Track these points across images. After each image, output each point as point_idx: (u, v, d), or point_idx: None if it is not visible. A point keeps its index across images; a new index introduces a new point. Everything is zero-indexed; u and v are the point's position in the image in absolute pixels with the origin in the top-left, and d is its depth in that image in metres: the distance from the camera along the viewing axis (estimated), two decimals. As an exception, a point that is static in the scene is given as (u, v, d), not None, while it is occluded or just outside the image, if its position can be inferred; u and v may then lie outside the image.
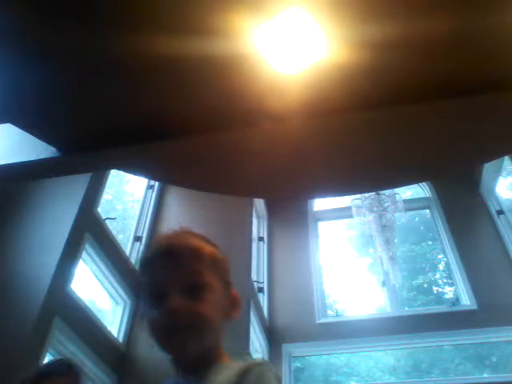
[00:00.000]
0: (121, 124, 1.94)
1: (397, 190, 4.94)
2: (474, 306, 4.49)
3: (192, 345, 0.74)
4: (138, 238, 4.18)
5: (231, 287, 0.84)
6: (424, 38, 1.57)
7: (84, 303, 3.06)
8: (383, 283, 5.13)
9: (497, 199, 5.34)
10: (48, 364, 1.72)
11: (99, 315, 3.32)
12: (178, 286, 0.75)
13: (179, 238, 0.82)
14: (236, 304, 0.83)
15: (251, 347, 3.98)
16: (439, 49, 1.64)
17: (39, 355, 2.47)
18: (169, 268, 0.77)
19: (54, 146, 2.03)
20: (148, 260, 0.82)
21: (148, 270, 0.82)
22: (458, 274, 4.84)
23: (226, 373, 0.72)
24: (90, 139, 1.99)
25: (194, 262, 0.79)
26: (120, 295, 3.67)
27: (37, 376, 1.57)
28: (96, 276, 3.46)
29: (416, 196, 6.07)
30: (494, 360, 4.61)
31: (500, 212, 5.18)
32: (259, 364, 0.74)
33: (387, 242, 4.66)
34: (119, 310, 3.69)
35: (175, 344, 0.74)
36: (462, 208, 5.35)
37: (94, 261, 3.35)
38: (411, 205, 5.67)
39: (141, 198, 4.53)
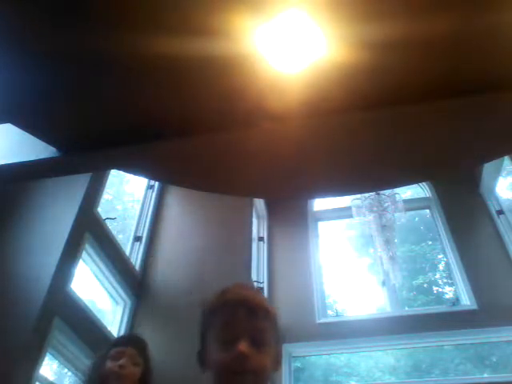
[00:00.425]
0: (121, 124, 1.94)
1: (397, 189, 4.94)
2: (474, 306, 4.49)
3: None
4: (138, 238, 4.18)
5: (280, 344, 0.96)
6: (424, 38, 1.57)
7: (84, 303, 3.06)
8: (383, 283, 5.13)
9: (497, 199, 5.34)
10: (124, 336, 1.89)
11: (99, 315, 3.32)
12: (248, 336, 0.86)
13: (255, 295, 0.97)
14: (279, 360, 0.96)
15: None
16: (439, 49, 1.64)
17: (39, 355, 2.48)
18: (244, 319, 0.89)
19: (54, 146, 2.03)
20: (225, 306, 0.93)
21: (223, 314, 0.92)
22: (458, 274, 4.84)
23: None
24: (90, 139, 1.99)
25: (265, 320, 0.92)
26: (120, 295, 3.67)
27: (113, 344, 1.70)
28: (96, 276, 3.46)
29: (416, 196, 6.07)
30: (494, 360, 4.61)
31: (500, 212, 5.18)
32: None
33: (387, 242, 4.66)
34: (119, 310, 3.69)
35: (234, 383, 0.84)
36: (462, 208, 5.36)
37: (94, 261, 3.35)
38: (411, 205, 5.67)
39: (141, 198, 4.53)
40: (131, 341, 1.78)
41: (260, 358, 0.86)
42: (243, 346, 0.84)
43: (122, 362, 1.59)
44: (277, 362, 0.94)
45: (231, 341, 0.86)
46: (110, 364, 1.61)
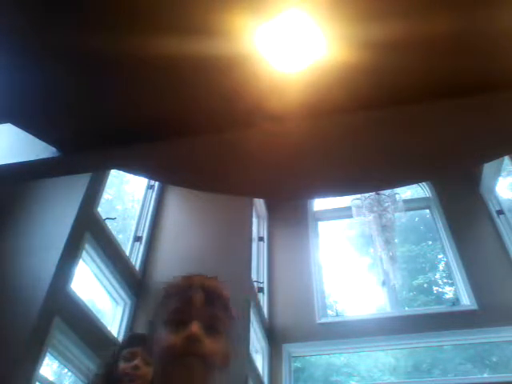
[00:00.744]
0: (121, 124, 1.94)
1: (397, 189, 4.94)
2: (474, 306, 4.49)
3: (196, 375, 0.78)
4: (138, 238, 4.18)
5: (233, 342, 0.91)
6: (424, 38, 1.57)
7: (84, 303, 3.06)
8: (383, 283, 5.13)
9: (497, 199, 5.34)
10: (135, 335, 1.81)
11: (99, 315, 3.32)
12: (202, 322, 0.82)
13: (216, 284, 0.92)
14: (229, 356, 0.89)
15: (251, 347, 3.98)
16: (439, 49, 1.63)
17: (39, 355, 2.48)
18: (199, 304, 0.85)
19: (53, 146, 2.03)
20: (181, 289, 0.89)
21: (178, 297, 0.87)
22: (458, 273, 4.84)
23: None
24: (90, 139, 1.99)
25: (222, 310, 0.88)
26: (120, 295, 3.67)
27: (125, 345, 1.67)
28: (96, 276, 3.46)
29: (416, 196, 6.07)
30: (494, 360, 4.61)
31: (500, 212, 5.18)
32: None
33: (387, 242, 4.66)
34: (119, 310, 3.69)
35: (180, 368, 0.78)
36: (462, 208, 5.36)
37: (94, 261, 3.35)
38: (411, 205, 5.67)
39: (141, 198, 4.53)
40: (143, 341, 1.75)
41: (211, 345, 0.81)
42: (195, 327, 0.80)
43: (136, 362, 1.57)
44: (226, 358, 0.88)
45: (183, 324, 0.81)
46: (123, 365, 1.59)
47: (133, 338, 1.71)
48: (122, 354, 1.62)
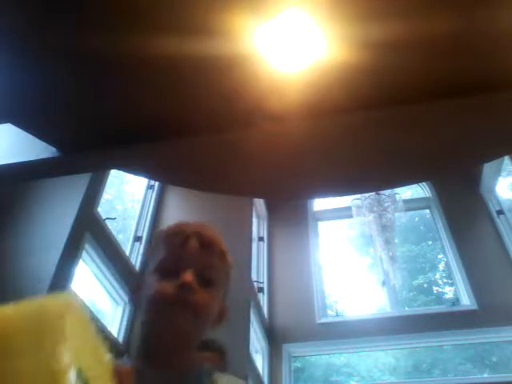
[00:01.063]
0: (121, 124, 1.94)
1: (397, 189, 4.94)
2: (474, 306, 4.49)
3: (185, 326, 0.72)
4: (138, 238, 4.18)
5: (226, 300, 0.85)
6: (424, 38, 1.57)
7: (84, 303, 3.06)
8: (383, 283, 5.13)
9: (497, 199, 5.34)
10: None
11: (99, 315, 3.32)
12: (195, 271, 0.75)
13: (213, 233, 0.84)
14: (222, 316, 0.83)
15: (251, 347, 3.98)
16: (439, 49, 1.64)
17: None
18: (194, 251, 0.78)
19: (53, 146, 2.03)
20: (175, 235, 0.81)
21: (171, 244, 0.80)
22: (458, 273, 4.84)
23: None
24: (89, 139, 1.99)
25: (218, 260, 0.81)
26: (120, 295, 3.67)
27: None
28: (96, 276, 3.46)
29: (416, 196, 6.07)
30: (494, 360, 4.61)
31: (500, 212, 5.18)
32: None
33: (387, 242, 4.66)
34: (119, 310, 3.68)
35: (169, 318, 0.72)
36: (462, 208, 5.35)
37: (94, 261, 3.34)
38: (411, 205, 5.67)
39: (141, 198, 4.53)
40: None
41: (204, 296, 0.74)
42: (188, 276, 0.73)
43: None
44: (220, 315, 0.81)
45: (176, 272, 0.75)
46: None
47: None
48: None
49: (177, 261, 0.77)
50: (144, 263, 0.85)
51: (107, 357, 0.52)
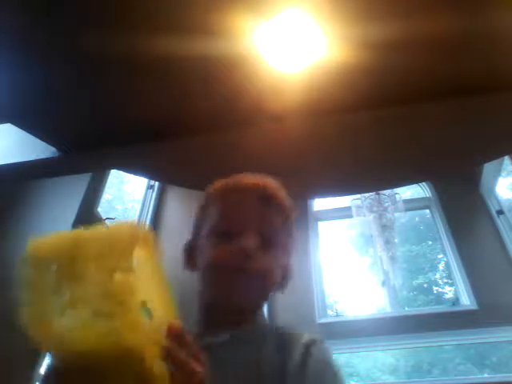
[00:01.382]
0: (120, 124, 1.94)
1: (397, 189, 4.94)
2: (474, 306, 4.48)
3: (248, 294, 0.65)
4: (138, 238, 4.17)
5: (292, 256, 0.76)
6: (424, 39, 1.57)
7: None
8: (383, 283, 5.13)
9: (497, 199, 5.33)
10: None
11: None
12: (256, 232, 0.66)
13: (274, 186, 0.73)
14: (287, 277, 0.74)
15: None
16: (439, 49, 1.64)
17: (39, 356, 2.47)
18: (253, 209, 0.68)
19: (53, 146, 2.03)
20: (230, 191, 0.71)
21: (226, 201, 0.70)
22: (458, 274, 4.84)
23: (287, 340, 0.63)
24: (90, 139, 1.99)
25: (283, 218, 0.72)
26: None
27: None
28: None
29: (416, 196, 6.07)
30: (494, 360, 4.61)
31: (500, 212, 5.17)
32: (321, 340, 0.69)
33: (387, 242, 4.66)
34: (119, 309, 3.68)
35: (230, 287, 0.64)
36: (462, 208, 5.35)
37: (93, 261, 3.34)
38: (411, 205, 5.66)
39: (141, 198, 4.52)
40: None
41: (267, 260, 0.66)
42: (249, 240, 0.64)
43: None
44: (285, 277, 0.73)
45: (233, 234, 0.66)
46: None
47: None
48: None
49: (234, 221, 0.67)
50: (195, 227, 0.76)
51: (172, 295, 0.49)
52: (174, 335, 0.40)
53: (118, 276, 0.39)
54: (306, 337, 0.65)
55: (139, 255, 0.45)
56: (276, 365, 0.59)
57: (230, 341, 0.63)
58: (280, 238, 0.70)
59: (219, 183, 0.76)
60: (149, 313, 0.42)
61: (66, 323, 0.39)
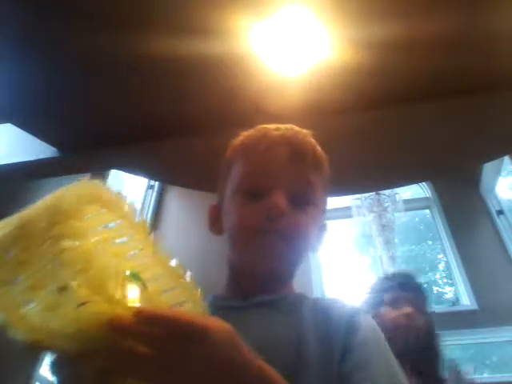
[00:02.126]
0: (120, 124, 1.94)
1: (397, 189, 4.94)
2: (474, 306, 4.48)
3: (280, 259, 0.59)
4: (138, 238, 4.18)
5: (324, 217, 0.69)
6: (424, 39, 1.57)
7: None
8: (383, 283, 5.12)
9: (497, 199, 5.33)
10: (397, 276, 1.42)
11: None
12: (286, 189, 0.59)
13: (305, 137, 0.67)
14: (323, 234, 0.70)
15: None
16: (440, 49, 1.64)
17: (39, 355, 2.47)
18: (286, 163, 0.61)
19: (54, 146, 2.04)
20: (257, 144, 0.64)
21: (253, 155, 0.63)
22: (458, 274, 4.84)
23: (329, 307, 0.58)
24: (90, 139, 1.99)
25: (313, 172, 0.64)
26: (120, 295, 3.66)
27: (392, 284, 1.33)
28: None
29: (416, 196, 6.06)
30: (494, 360, 4.61)
31: (500, 212, 5.17)
32: (364, 310, 0.62)
33: (387, 242, 4.66)
34: (119, 309, 3.68)
35: (260, 251, 0.58)
36: (462, 208, 5.35)
37: (94, 261, 3.34)
38: (411, 205, 5.66)
39: (141, 198, 4.52)
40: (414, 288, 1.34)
41: (300, 218, 0.59)
42: (279, 197, 0.57)
43: (408, 311, 1.23)
44: (320, 237, 0.69)
45: (262, 193, 0.59)
46: (389, 311, 1.26)
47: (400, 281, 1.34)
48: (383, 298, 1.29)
49: (262, 177, 0.60)
50: (220, 186, 0.68)
51: (176, 265, 0.44)
52: (115, 329, 0.34)
53: (65, 243, 0.34)
54: (348, 305, 0.60)
55: (105, 219, 0.41)
56: (317, 329, 0.54)
57: (264, 305, 0.58)
58: (313, 195, 0.63)
59: (243, 135, 0.69)
60: (139, 282, 0.39)
61: (35, 308, 0.35)
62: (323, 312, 0.56)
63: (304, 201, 0.61)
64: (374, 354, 0.51)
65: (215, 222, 0.68)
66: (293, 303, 0.60)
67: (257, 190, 0.60)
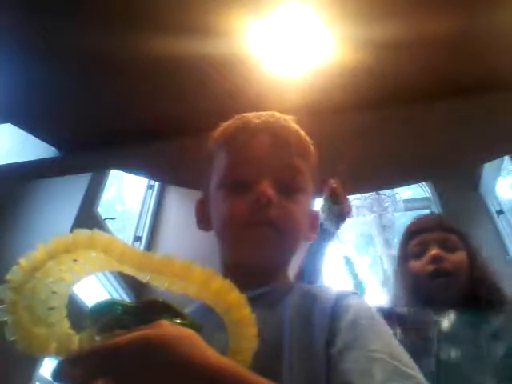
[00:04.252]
0: (121, 124, 1.94)
1: (397, 189, 4.93)
2: (474, 306, 4.48)
3: (271, 251, 0.57)
4: (137, 238, 4.18)
5: (314, 201, 0.66)
6: (424, 40, 1.57)
7: (84, 303, 3.06)
8: (383, 283, 5.13)
9: (497, 199, 5.33)
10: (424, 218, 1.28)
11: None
12: (273, 177, 0.57)
13: (288, 123, 0.64)
14: (315, 223, 0.66)
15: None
16: (440, 49, 1.64)
17: (38, 356, 2.47)
18: (271, 151, 0.59)
19: (54, 146, 2.03)
20: (238, 133, 0.62)
21: (235, 145, 0.61)
22: (458, 273, 4.83)
23: (316, 295, 0.55)
24: (89, 139, 1.99)
25: (301, 158, 0.61)
26: (120, 295, 3.66)
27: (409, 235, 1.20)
28: (96, 276, 3.46)
29: (416, 196, 6.06)
30: (494, 360, 4.60)
31: (500, 212, 5.17)
32: (355, 293, 0.58)
33: (387, 242, 4.66)
34: (119, 309, 3.68)
35: (249, 244, 0.57)
36: (462, 208, 5.35)
37: (94, 261, 3.34)
38: (411, 205, 5.66)
39: (141, 198, 4.53)
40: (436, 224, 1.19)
41: (289, 207, 0.57)
42: (265, 187, 0.55)
43: (434, 252, 1.11)
44: (312, 224, 0.64)
45: (247, 184, 0.57)
46: (415, 263, 1.13)
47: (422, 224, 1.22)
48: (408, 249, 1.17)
49: (246, 168, 0.58)
50: (204, 180, 0.65)
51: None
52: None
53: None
54: (337, 290, 0.56)
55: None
56: (300, 316, 0.52)
57: (254, 299, 0.53)
58: (301, 181, 0.60)
59: (223, 126, 0.67)
60: None
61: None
62: (310, 299, 0.54)
63: (292, 188, 0.59)
64: (367, 332, 0.47)
65: (202, 218, 0.67)
66: (278, 295, 0.56)
67: (242, 181, 0.58)
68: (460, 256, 1.17)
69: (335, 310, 0.51)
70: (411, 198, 5.99)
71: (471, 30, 1.58)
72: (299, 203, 0.59)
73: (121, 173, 4.01)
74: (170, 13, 1.47)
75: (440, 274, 1.10)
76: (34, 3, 1.44)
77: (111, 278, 3.51)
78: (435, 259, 1.11)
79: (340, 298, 0.53)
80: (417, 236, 1.19)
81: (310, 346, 0.48)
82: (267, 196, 0.55)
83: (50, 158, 2.04)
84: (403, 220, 5.39)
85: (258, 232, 0.56)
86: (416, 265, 1.15)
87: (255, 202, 0.55)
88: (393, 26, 1.51)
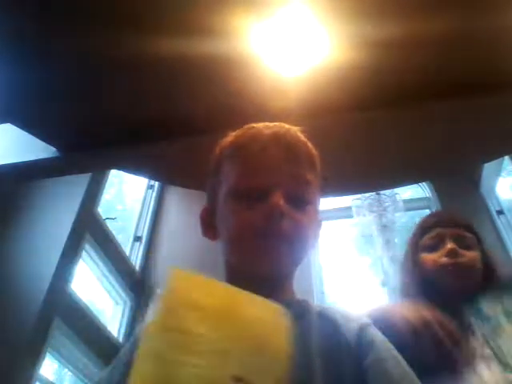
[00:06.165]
0: (121, 124, 1.94)
1: (397, 189, 4.93)
2: (474, 306, 4.48)
3: (283, 262, 0.58)
4: (137, 238, 4.18)
5: (319, 206, 0.67)
6: (424, 39, 1.57)
7: (84, 303, 3.06)
8: (383, 283, 5.13)
9: (497, 199, 5.33)
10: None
11: (99, 315, 3.32)
12: (284, 188, 0.58)
13: (297, 134, 0.65)
14: (317, 235, 0.67)
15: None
16: (440, 49, 1.64)
17: (39, 355, 2.47)
18: (279, 162, 0.59)
19: (54, 146, 2.03)
20: (249, 144, 0.62)
21: (245, 156, 0.61)
22: (458, 274, 4.83)
23: (338, 317, 0.56)
24: (89, 139, 1.99)
25: (310, 170, 0.62)
26: (120, 295, 3.67)
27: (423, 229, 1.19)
28: (96, 276, 3.46)
29: (416, 196, 6.06)
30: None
31: (500, 212, 5.17)
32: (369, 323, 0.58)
33: (387, 242, 4.66)
34: (119, 309, 3.68)
35: (264, 251, 0.56)
36: (462, 208, 5.34)
37: (94, 261, 3.34)
38: (411, 205, 5.66)
39: (141, 198, 4.53)
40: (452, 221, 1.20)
41: (300, 219, 0.57)
42: (278, 198, 0.55)
43: (449, 246, 1.10)
44: (316, 235, 0.65)
45: (259, 195, 0.57)
46: (429, 256, 1.14)
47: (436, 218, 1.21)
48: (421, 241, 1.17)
49: (258, 178, 0.58)
50: (211, 190, 0.65)
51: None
52: None
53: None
54: (356, 318, 0.57)
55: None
56: (324, 344, 0.52)
57: None
58: (312, 193, 0.61)
59: (233, 135, 0.68)
60: None
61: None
62: (330, 325, 0.55)
63: (302, 200, 0.60)
64: (393, 369, 0.49)
65: (209, 227, 0.66)
66: (298, 311, 0.55)
67: (254, 191, 0.58)
68: (475, 255, 1.13)
69: (360, 343, 0.52)
70: (411, 198, 5.98)
71: (471, 30, 1.58)
72: (309, 215, 0.60)
73: (121, 173, 4.01)
74: (175, 13, 1.47)
75: (456, 268, 1.09)
76: (33, 3, 1.44)
77: (110, 276, 3.51)
78: (452, 253, 1.09)
79: (362, 330, 0.54)
80: (433, 229, 1.16)
81: (338, 379, 0.49)
82: (280, 208, 0.55)
83: (50, 158, 2.04)
84: (403, 220, 5.39)
85: (270, 244, 0.56)
86: (429, 257, 1.14)
87: (268, 212, 0.55)
88: (392, 26, 1.51)
